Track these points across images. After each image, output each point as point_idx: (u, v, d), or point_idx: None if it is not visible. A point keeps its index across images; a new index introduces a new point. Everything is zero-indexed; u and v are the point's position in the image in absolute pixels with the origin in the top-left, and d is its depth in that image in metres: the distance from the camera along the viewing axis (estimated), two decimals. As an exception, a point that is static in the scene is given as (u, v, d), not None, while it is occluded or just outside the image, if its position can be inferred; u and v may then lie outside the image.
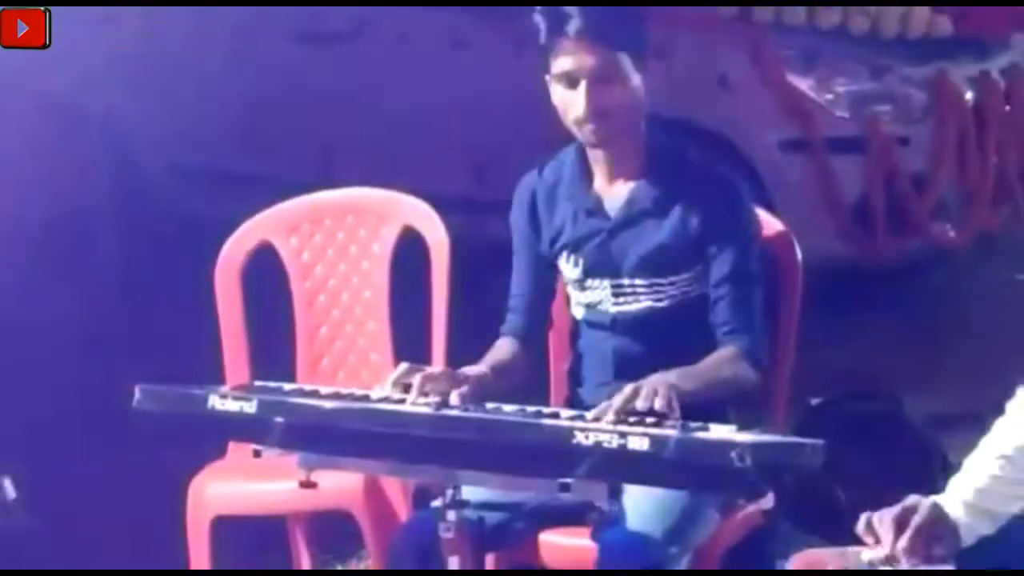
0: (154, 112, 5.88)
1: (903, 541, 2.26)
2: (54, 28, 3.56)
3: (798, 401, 3.51)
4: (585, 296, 3.19)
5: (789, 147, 5.55)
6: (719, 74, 5.61)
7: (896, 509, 2.30)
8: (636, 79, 3.04)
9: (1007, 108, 5.87)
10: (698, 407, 2.76)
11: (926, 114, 5.72)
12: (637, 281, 3.12)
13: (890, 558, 2.26)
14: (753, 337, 3.07)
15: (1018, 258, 2.85)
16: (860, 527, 2.32)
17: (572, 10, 2.99)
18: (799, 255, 3.34)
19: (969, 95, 5.79)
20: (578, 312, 3.24)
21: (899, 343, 5.16)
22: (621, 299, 3.15)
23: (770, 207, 3.70)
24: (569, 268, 3.19)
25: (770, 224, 3.40)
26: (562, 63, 3.01)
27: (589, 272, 3.17)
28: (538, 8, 3.06)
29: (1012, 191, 5.87)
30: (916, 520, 2.29)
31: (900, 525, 2.29)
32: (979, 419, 2.55)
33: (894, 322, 5.45)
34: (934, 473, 2.54)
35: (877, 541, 2.30)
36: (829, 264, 4.78)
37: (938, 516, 2.32)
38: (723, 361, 3.06)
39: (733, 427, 2.53)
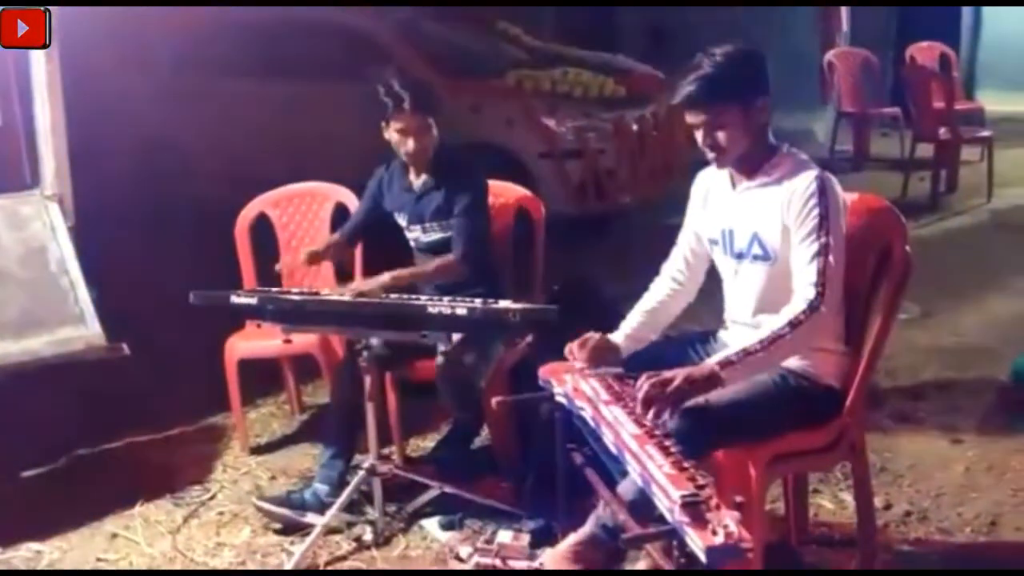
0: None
1: (585, 354, 2.32)
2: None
3: (549, 285, 3.45)
4: (412, 235, 3.19)
5: (543, 156, 5.47)
6: (507, 118, 5.48)
7: (579, 339, 2.36)
8: (434, 129, 3.05)
9: (655, 133, 5.88)
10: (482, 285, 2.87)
11: (614, 136, 5.68)
12: (434, 224, 3.14)
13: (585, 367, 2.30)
14: (465, 248, 3.03)
15: (670, 211, 2.95)
16: (566, 350, 2.36)
17: (405, 93, 2.98)
18: (543, 212, 3.38)
19: (635, 127, 5.78)
20: (412, 244, 3.22)
21: (602, 257, 5.21)
22: (428, 234, 3.16)
23: (533, 188, 3.71)
24: (401, 220, 3.19)
25: (527, 195, 3.43)
26: (397, 123, 3.03)
27: (410, 221, 3.17)
28: (382, 90, 3.02)
29: (658, 177, 5.91)
30: (590, 343, 2.34)
31: (582, 347, 2.34)
32: (639, 295, 2.58)
33: (600, 248, 5.50)
34: (616, 323, 2.58)
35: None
36: (564, 217, 4.76)
37: (604, 340, 2.37)
38: (439, 261, 3.06)
39: (510, 301, 2.61)
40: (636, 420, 2.03)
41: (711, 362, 2.15)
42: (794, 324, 2.15)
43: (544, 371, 2.35)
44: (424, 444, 3.51)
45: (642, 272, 2.63)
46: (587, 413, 2.14)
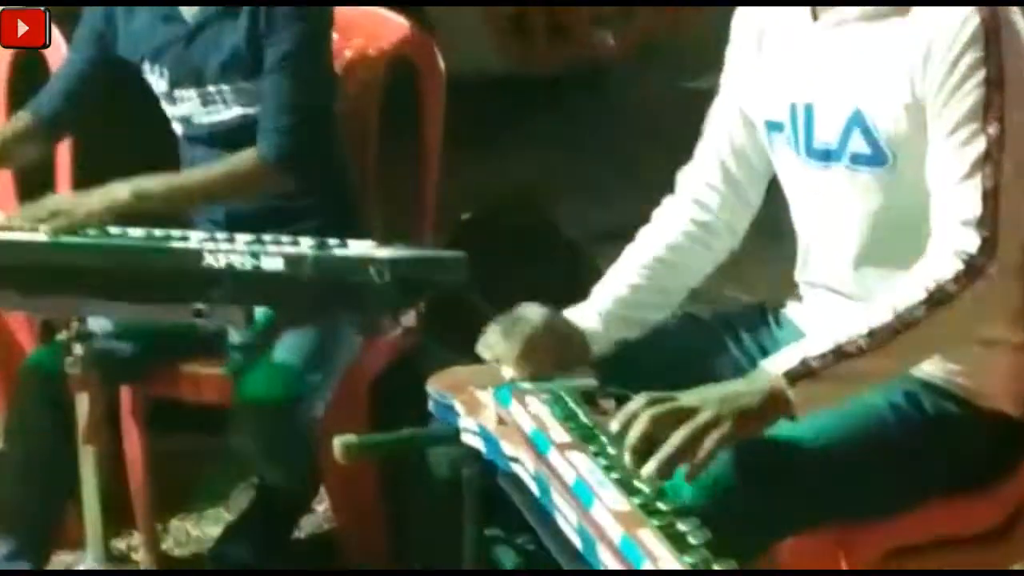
0: None
1: (517, 349, 2.33)
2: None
3: (449, 216, 3.53)
4: (178, 109, 3.23)
5: None
6: None
7: (505, 320, 2.38)
8: None
9: None
10: None
11: None
12: (225, 88, 3.17)
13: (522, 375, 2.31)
14: (283, 139, 3.07)
15: (694, 67, 2.91)
16: (480, 344, 2.38)
17: None
18: (441, 64, 3.40)
19: None
20: (178, 129, 3.27)
21: (559, 154, 5.22)
22: (211, 108, 3.20)
23: (426, 23, 3.73)
24: (155, 79, 3.22)
25: (408, 33, 3.45)
26: None
27: (174, 81, 3.20)
28: None
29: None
30: (521, 329, 2.35)
31: (507, 336, 2.35)
32: (630, 232, 2.60)
33: (555, 133, 5.52)
34: (586, 283, 2.61)
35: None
36: (487, 80, 4.85)
37: (548, 323, 2.39)
38: (231, 163, 3.11)
39: (372, 243, 2.62)
40: (623, 482, 2.05)
41: (772, 369, 2.16)
42: (935, 299, 2.17)
43: (440, 383, 2.38)
44: (199, 530, 3.56)
45: (636, 187, 2.67)
46: (525, 466, 2.16)
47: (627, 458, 2.07)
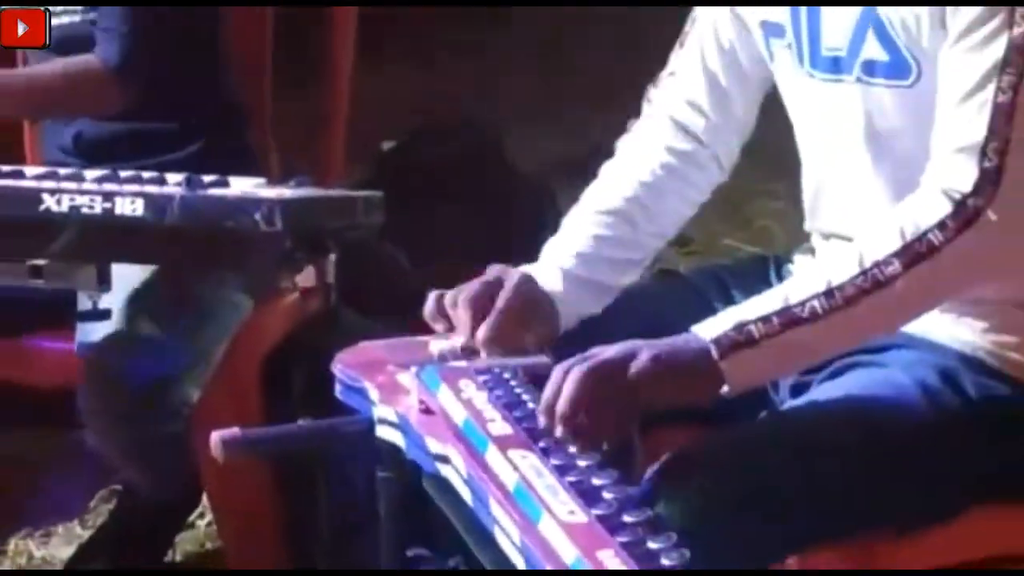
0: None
1: (485, 328, 2.33)
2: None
3: (367, 146, 3.56)
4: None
5: None
6: None
7: (475, 285, 2.36)
8: None
9: None
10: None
11: None
12: None
13: (467, 349, 2.32)
14: (127, 42, 3.15)
15: None
16: (427, 310, 2.37)
17: None
18: None
19: None
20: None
21: (502, 67, 5.25)
22: (57, 14, 3.26)
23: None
24: None
25: None
26: None
27: None
28: None
29: None
30: (502, 300, 2.35)
31: (480, 306, 2.35)
32: (594, 163, 2.64)
33: (502, 45, 5.58)
34: (544, 225, 2.62)
35: (451, 327, 2.36)
36: None
37: (531, 290, 2.40)
38: (70, 63, 3.22)
39: (261, 180, 2.64)
40: (580, 488, 2.06)
41: (704, 333, 2.17)
42: (915, 252, 2.17)
43: (350, 362, 2.40)
44: (45, 551, 3.59)
45: (603, 110, 2.67)
46: (456, 470, 2.18)
47: (542, 421, 2.12)
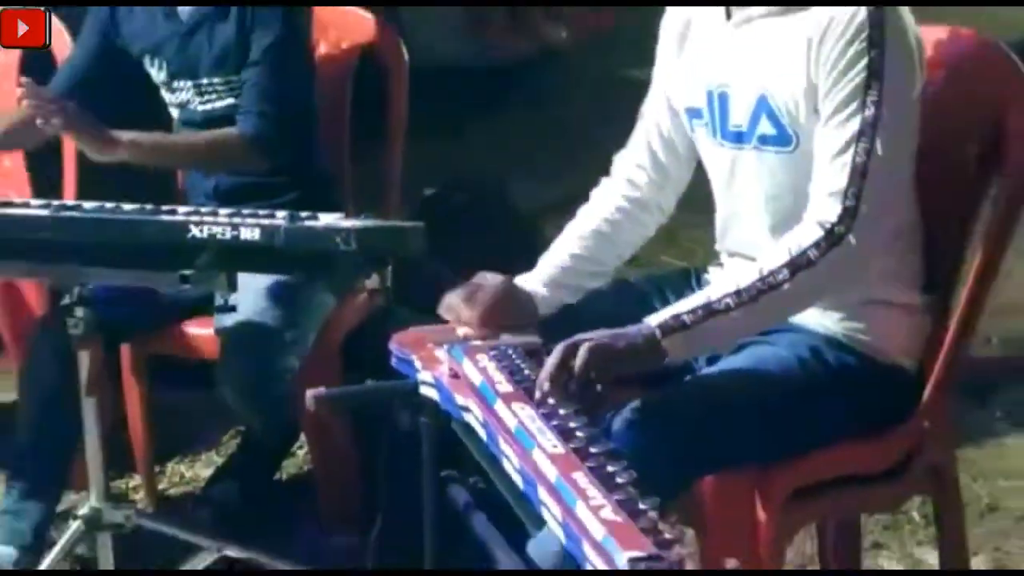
0: None
1: (475, 312, 2.35)
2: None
3: (414, 192, 3.54)
4: (176, 96, 3.23)
5: None
6: None
7: (467, 286, 2.40)
8: None
9: None
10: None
11: None
12: (217, 81, 3.17)
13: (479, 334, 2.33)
14: (262, 121, 3.09)
15: (633, 55, 2.90)
16: (441, 307, 2.40)
17: None
18: (406, 56, 3.39)
19: None
20: (175, 114, 3.27)
21: (513, 140, 5.18)
22: (207, 98, 3.19)
23: (393, 16, 3.71)
24: (155, 70, 3.21)
25: (376, 28, 3.43)
26: None
27: (173, 73, 3.20)
28: None
29: None
30: (482, 295, 2.37)
31: (469, 301, 2.37)
32: (574, 206, 2.62)
33: (509, 121, 5.49)
34: (534, 251, 2.62)
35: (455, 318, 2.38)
36: (447, 69, 4.75)
37: (506, 289, 2.41)
38: (216, 134, 3.14)
39: (340, 215, 2.60)
40: (560, 428, 2.05)
41: (651, 322, 2.19)
42: (797, 265, 2.18)
43: (401, 342, 2.38)
44: (192, 472, 3.56)
45: (586, 168, 2.68)
46: (475, 416, 2.17)
47: (546, 387, 2.12)
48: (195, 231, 2.54)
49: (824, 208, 2.22)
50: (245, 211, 2.66)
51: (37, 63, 3.50)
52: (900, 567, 3.08)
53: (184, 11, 3.16)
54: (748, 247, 2.45)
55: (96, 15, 3.26)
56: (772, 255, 2.23)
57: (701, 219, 2.62)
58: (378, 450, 3.06)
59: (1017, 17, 6.91)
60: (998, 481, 3.38)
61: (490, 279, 2.42)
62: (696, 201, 2.62)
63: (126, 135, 2.96)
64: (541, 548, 2.18)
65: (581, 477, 1.93)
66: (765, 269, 2.21)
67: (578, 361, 2.13)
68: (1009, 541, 3.19)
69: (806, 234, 2.21)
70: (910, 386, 2.43)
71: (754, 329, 2.29)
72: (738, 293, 2.19)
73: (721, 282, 2.27)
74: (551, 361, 2.14)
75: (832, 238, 2.19)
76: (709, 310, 2.18)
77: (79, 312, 2.80)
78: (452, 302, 2.39)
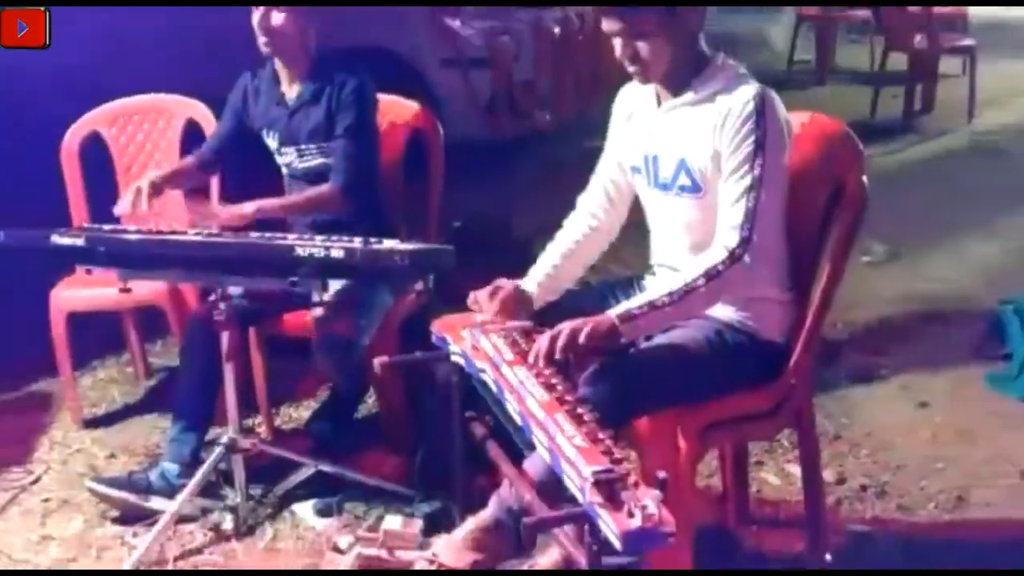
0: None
1: (494, 306, 2.37)
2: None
3: (448, 222, 3.53)
4: (284, 159, 3.20)
5: (445, 64, 5.41)
6: (400, 15, 5.34)
7: (489, 287, 2.40)
8: (303, 22, 3.08)
9: (580, 37, 5.84)
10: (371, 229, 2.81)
11: (532, 41, 5.67)
12: (312, 147, 3.14)
13: (490, 321, 2.34)
14: (346, 177, 3.08)
15: (598, 133, 2.91)
16: (469, 301, 2.40)
17: None
18: (441, 132, 3.38)
19: (556, 30, 5.75)
20: (283, 171, 3.24)
21: (515, 189, 5.19)
22: (305, 159, 3.16)
23: (432, 104, 3.71)
24: (270, 140, 3.19)
25: (422, 113, 3.41)
26: (257, 11, 3.07)
27: (282, 142, 3.18)
28: None
29: (584, 90, 5.89)
30: (501, 293, 2.38)
31: (492, 297, 2.38)
32: (552, 232, 2.61)
33: (512, 177, 5.50)
34: (527, 264, 2.61)
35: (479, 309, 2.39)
36: (469, 141, 4.74)
37: (516, 289, 2.41)
38: (315, 191, 3.11)
39: (396, 240, 2.61)
40: (545, 384, 2.06)
41: (611, 314, 2.20)
42: (710, 275, 2.21)
43: (438, 326, 2.38)
44: (297, 414, 3.54)
45: (562, 206, 2.66)
46: (489, 376, 2.17)
47: (539, 360, 2.13)
48: (299, 251, 2.55)
49: (727, 237, 2.23)
50: (333, 237, 2.65)
51: (194, 139, 3.52)
52: (774, 478, 3.06)
53: (289, 98, 3.15)
54: (671, 261, 2.46)
55: (232, 104, 3.25)
56: (692, 268, 2.24)
57: (638, 241, 2.62)
58: (422, 399, 3.09)
59: (857, 101, 6.94)
60: (840, 419, 3.39)
61: (506, 283, 2.41)
62: (634, 229, 2.61)
63: (250, 207, 2.94)
64: (532, 464, 2.19)
65: (560, 416, 1.95)
66: (688, 278, 2.22)
67: (560, 341, 2.14)
68: (847, 460, 3.20)
69: (715, 254, 2.23)
70: (781, 355, 2.42)
71: (680, 319, 2.29)
72: (670, 294, 2.21)
73: (657, 286, 2.28)
74: (542, 341, 2.15)
75: (733, 258, 2.21)
76: (651, 305, 2.20)
77: (221, 306, 2.81)
78: (480, 297, 2.40)
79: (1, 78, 5.11)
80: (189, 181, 3.25)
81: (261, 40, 3.08)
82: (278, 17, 3.06)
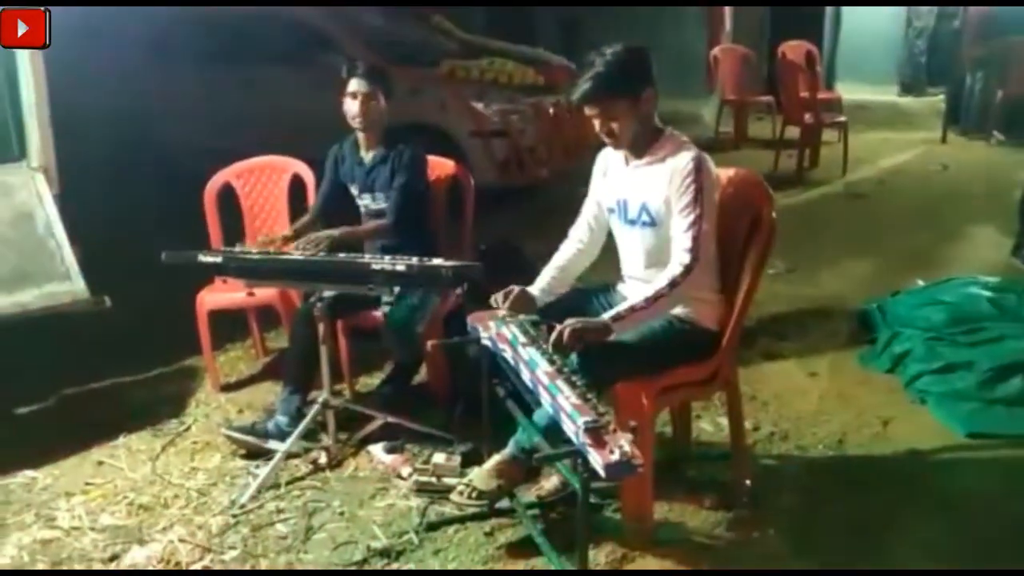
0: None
1: (509, 304, 2.35)
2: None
3: (477, 246, 3.48)
4: (363, 202, 3.17)
5: (473, 135, 5.40)
6: (441, 102, 5.40)
7: (503, 292, 2.39)
8: (383, 101, 3.05)
9: (568, 115, 5.81)
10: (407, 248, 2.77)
11: (534, 118, 5.66)
12: (381, 194, 3.12)
13: (506, 314, 2.33)
14: (395, 217, 3.04)
15: (581, 183, 2.88)
16: (492, 301, 2.39)
17: (361, 64, 3.04)
18: (473, 182, 3.35)
19: (551, 110, 5.73)
20: (362, 211, 3.19)
21: (524, 222, 5.13)
22: (377, 202, 3.13)
23: (464, 163, 3.70)
24: (353, 189, 3.16)
25: (459, 169, 3.37)
26: (351, 86, 3.03)
27: (361, 190, 3.15)
28: (345, 65, 3.07)
29: (571, 153, 5.85)
30: (512, 296, 2.37)
31: (507, 298, 2.37)
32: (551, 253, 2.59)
33: (521, 214, 5.45)
34: (533, 277, 2.59)
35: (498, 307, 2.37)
36: (490, 188, 4.71)
37: (523, 292, 2.40)
38: (375, 224, 3.08)
39: (441, 259, 2.58)
40: (549, 360, 2.06)
41: (605, 317, 2.19)
42: (673, 284, 2.22)
43: (472, 318, 2.38)
44: (370, 381, 3.50)
45: (557, 234, 2.65)
46: (508, 354, 2.17)
47: (550, 349, 2.11)
48: (374, 266, 2.54)
49: (682, 257, 2.22)
50: (397, 256, 2.63)
51: (296, 186, 3.49)
52: (709, 427, 3.04)
53: (367, 157, 3.12)
54: (634, 273, 2.45)
55: (328, 168, 3.20)
56: (659, 280, 2.23)
57: (610, 259, 2.61)
58: (460, 370, 3.07)
59: (764, 160, 6.91)
60: (756, 385, 3.36)
61: (516, 289, 2.40)
62: (607, 251, 2.60)
63: (337, 232, 2.92)
64: (540, 417, 2.19)
65: (560, 382, 1.95)
66: (658, 286, 2.22)
67: (565, 335, 2.12)
68: (760, 414, 3.14)
69: (674, 269, 2.22)
70: (716, 339, 2.40)
71: (651, 317, 2.26)
72: (646, 299, 2.20)
73: (634, 294, 2.25)
74: (553, 336, 2.13)
75: (686, 271, 2.21)
76: (632, 309, 2.19)
77: (318, 304, 2.81)
78: (498, 298, 2.37)
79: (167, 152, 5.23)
80: (310, 231, 3.11)
81: (358, 119, 3.04)
82: (377, 105, 3.03)
